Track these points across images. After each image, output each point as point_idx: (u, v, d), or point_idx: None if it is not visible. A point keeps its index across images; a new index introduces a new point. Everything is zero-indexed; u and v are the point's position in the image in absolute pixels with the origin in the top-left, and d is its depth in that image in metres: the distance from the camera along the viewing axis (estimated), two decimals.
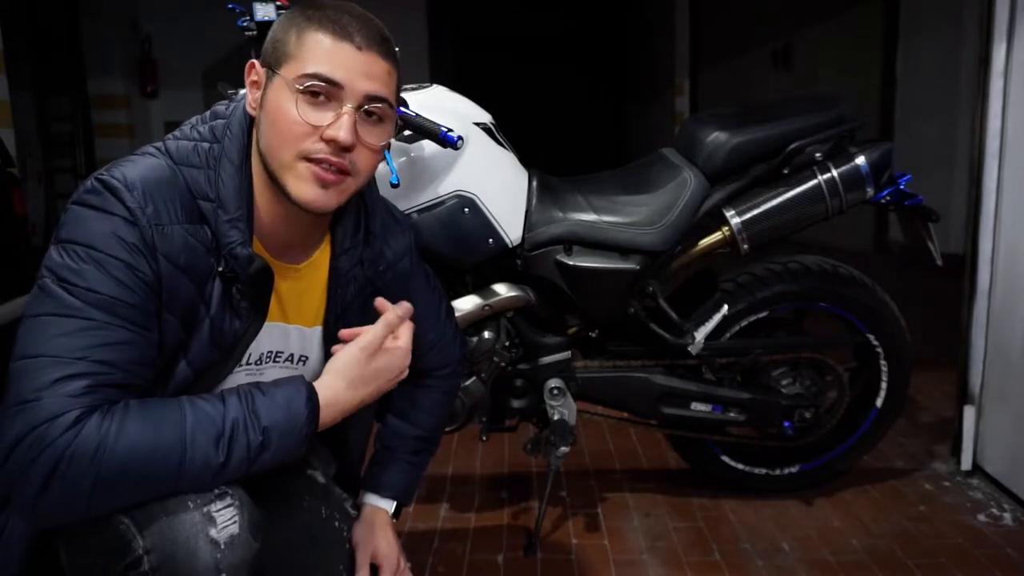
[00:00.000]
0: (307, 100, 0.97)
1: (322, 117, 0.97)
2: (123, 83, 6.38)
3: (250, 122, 1.04)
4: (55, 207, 6.34)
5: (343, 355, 1.04)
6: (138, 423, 0.87)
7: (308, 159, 0.98)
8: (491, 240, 1.70)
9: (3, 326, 2.26)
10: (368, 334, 1.05)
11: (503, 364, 1.80)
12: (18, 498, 0.87)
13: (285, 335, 1.12)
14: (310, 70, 0.96)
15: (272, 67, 0.99)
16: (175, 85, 6.45)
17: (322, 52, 0.97)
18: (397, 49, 1.04)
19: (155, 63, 6.46)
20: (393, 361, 1.07)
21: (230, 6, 1.80)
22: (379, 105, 1.00)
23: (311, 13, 0.99)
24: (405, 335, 1.09)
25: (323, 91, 0.97)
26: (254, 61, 1.03)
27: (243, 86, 1.83)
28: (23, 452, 0.84)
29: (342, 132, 0.96)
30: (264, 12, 1.73)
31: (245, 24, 1.75)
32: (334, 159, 0.98)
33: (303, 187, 0.99)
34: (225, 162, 1.01)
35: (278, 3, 1.74)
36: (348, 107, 0.97)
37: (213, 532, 0.90)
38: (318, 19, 0.98)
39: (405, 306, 1.10)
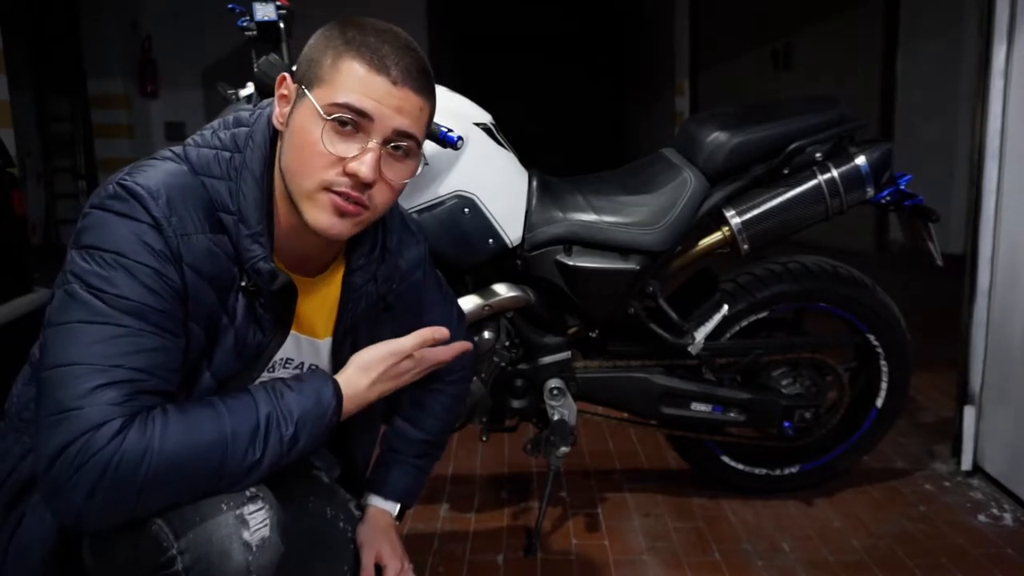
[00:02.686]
0: (334, 129, 0.95)
1: (347, 148, 0.95)
2: (123, 83, 6.38)
3: (274, 133, 1.03)
4: (55, 207, 6.34)
5: (372, 352, 1.07)
6: (180, 426, 0.88)
7: (327, 189, 0.96)
8: (491, 240, 1.70)
9: (3, 326, 2.26)
10: (402, 340, 1.09)
11: (503, 364, 1.80)
12: (64, 505, 0.87)
13: (297, 344, 1.12)
14: (341, 99, 0.94)
15: (303, 86, 0.98)
16: (175, 85, 6.45)
17: (356, 82, 0.94)
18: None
19: (155, 63, 6.46)
20: (415, 367, 1.11)
21: (230, 6, 1.80)
22: (405, 143, 0.98)
23: (351, 36, 0.96)
24: (434, 354, 1.13)
25: (351, 122, 0.95)
26: (286, 75, 1.02)
27: (243, 86, 1.84)
28: (68, 461, 0.84)
29: (364, 168, 0.95)
30: (264, 12, 1.73)
31: (245, 24, 1.75)
32: (353, 193, 0.97)
33: (320, 215, 0.97)
34: (247, 174, 0.99)
35: (278, 3, 1.74)
36: (374, 143, 0.95)
37: (246, 534, 0.91)
38: (357, 45, 0.95)
39: (442, 331, 1.12)
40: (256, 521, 0.92)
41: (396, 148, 0.98)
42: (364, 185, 0.96)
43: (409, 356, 1.08)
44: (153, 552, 0.89)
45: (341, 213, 0.98)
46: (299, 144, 0.97)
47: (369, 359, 1.06)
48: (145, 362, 0.89)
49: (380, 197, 1.00)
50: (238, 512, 0.91)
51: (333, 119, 0.95)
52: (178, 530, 0.89)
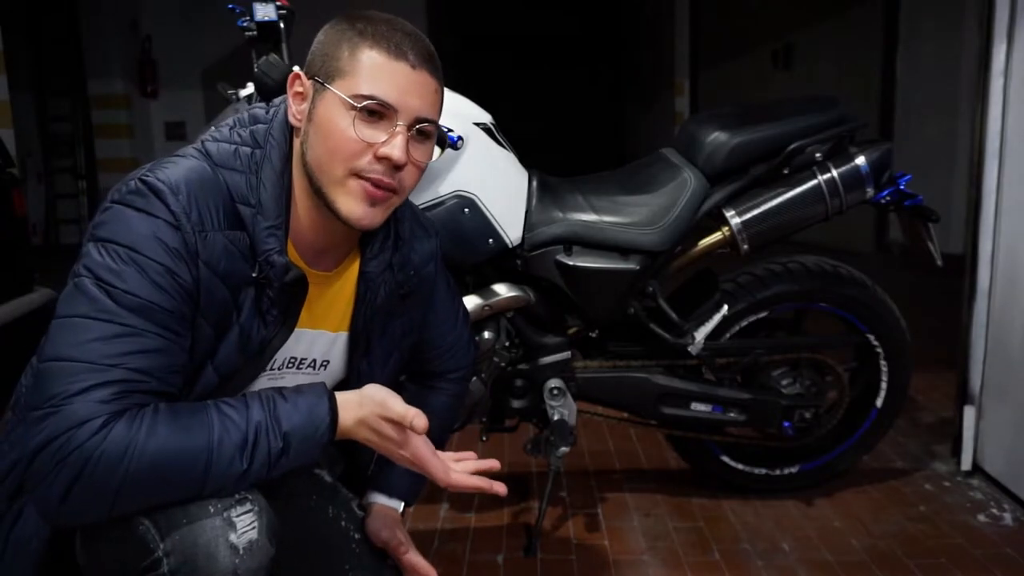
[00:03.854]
0: (361, 118, 0.97)
1: (376, 135, 0.98)
2: (123, 83, 6.38)
3: (290, 129, 1.04)
4: (55, 207, 6.35)
5: (378, 390, 1.01)
6: (167, 428, 0.87)
7: (359, 176, 0.98)
8: (491, 240, 1.70)
9: (3, 326, 2.25)
10: (396, 400, 1.00)
11: (503, 364, 1.80)
12: (42, 499, 0.87)
13: (309, 341, 1.12)
14: (366, 90, 0.96)
15: (322, 81, 0.99)
16: (175, 85, 6.45)
17: (377, 71, 0.97)
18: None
19: (155, 63, 6.46)
20: (396, 439, 1.01)
21: (230, 6, 1.80)
22: (427, 124, 1.01)
23: (362, 27, 0.98)
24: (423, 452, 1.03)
25: (378, 110, 0.97)
26: (299, 72, 1.03)
27: (243, 86, 1.84)
28: (50, 454, 0.84)
29: (396, 151, 0.97)
30: (264, 12, 1.73)
31: (245, 24, 1.75)
32: (386, 180, 0.99)
33: (352, 205, 0.99)
34: (268, 168, 1.01)
35: (278, 3, 1.75)
36: (401, 126, 0.98)
37: (233, 537, 0.90)
38: (371, 35, 0.98)
39: (422, 423, 0.99)
40: (244, 524, 0.91)
41: (419, 132, 1.01)
42: (394, 169, 0.99)
43: (396, 425, 0.99)
44: (140, 553, 0.89)
45: (372, 201, 0.99)
46: (327, 135, 0.98)
47: (371, 393, 1.01)
48: (144, 363, 0.89)
49: (409, 179, 1.02)
50: (225, 514, 0.90)
51: (362, 108, 0.96)
52: (164, 532, 0.89)
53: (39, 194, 6.21)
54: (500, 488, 1.05)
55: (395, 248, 1.15)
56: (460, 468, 1.05)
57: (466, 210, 1.67)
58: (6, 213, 2.41)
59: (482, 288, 1.76)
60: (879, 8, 5.00)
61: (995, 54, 2.00)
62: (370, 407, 0.99)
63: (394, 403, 0.99)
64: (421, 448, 1.02)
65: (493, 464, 1.08)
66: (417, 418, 0.98)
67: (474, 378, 1.76)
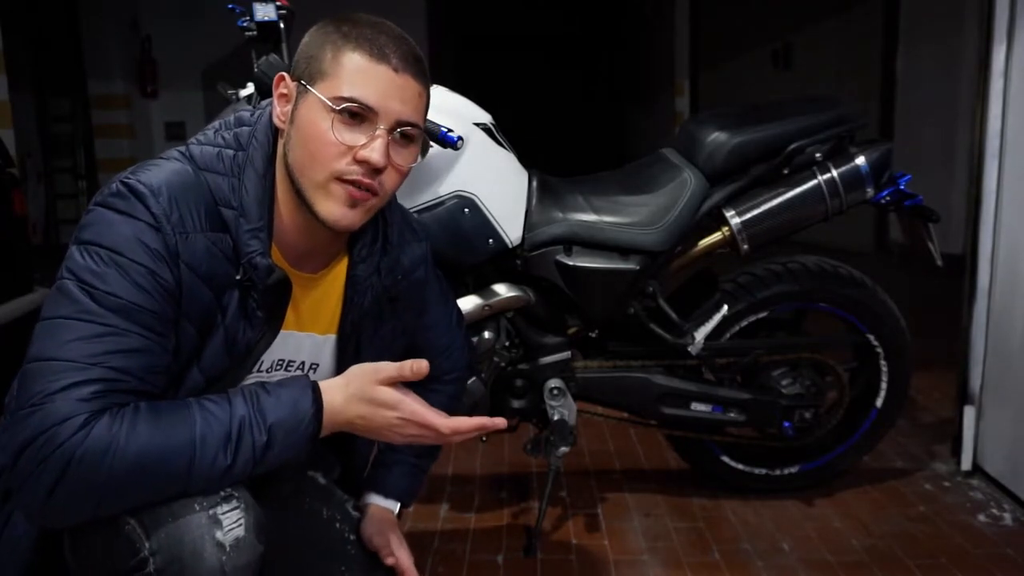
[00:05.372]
0: (342, 120, 0.97)
1: (356, 138, 0.98)
2: (123, 83, 6.38)
3: (275, 131, 1.04)
4: (55, 207, 6.35)
5: (360, 366, 1.02)
6: (149, 425, 0.88)
7: (339, 179, 0.98)
8: (491, 240, 1.70)
9: (3, 326, 2.26)
10: (384, 363, 1.00)
11: (503, 364, 1.80)
12: (27, 499, 0.87)
13: (297, 343, 1.12)
14: (346, 92, 0.96)
15: (305, 83, 0.99)
16: (175, 85, 6.44)
17: (359, 74, 0.97)
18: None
19: (155, 63, 6.45)
20: (395, 407, 1.00)
21: (230, 6, 1.80)
22: (410, 128, 1.01)
23: (347, 30, 0.98)
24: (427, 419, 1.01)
25: (358, 112, 0.97)
26: (283, 74, 1.03)
27: (243, 86, 1.84)
28: (33, 454, 0.84)
29: (375, 154, 0.97)
30: (264, 12, 1.74)
31: (245, 24, 1.76)
32: (365, 180, 0.99)
33: (331, 206, 0.99)
34: (250, 171, 1.01)
35: (278, 3, 1.75)
36: (381, 129, 0.98)
37: (219, 534, 0.90)
38: (355, 38, 0.98)
39: (421, 365, 0.99)
40: (230, 521, 0.91)
41: (401, 135, 1.01)
42: (375, 171, 0.99)
43: (391, 389, 0.99)
44: (126, 553, 0.89)
45: (352, 203, 0.99)
46: (307, 138, 0.98)
47: (356, 369, 1.01)
48: (126, 362, 0.89)
49: (389, 182, 1.02)
50: (211, 512, 0.90)
51: (341, 110, 0.96)
52: (150, 530, 0.89)
53: (39, 194, 6.21)
54: (500, 422, 1.03)
55: (383, 252, 1.15)
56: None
57: (466, 210, 1.67)
58: (6, 213, 2.41)
59: (482, 288, 1.76)
60: (879, 8, 5.00)
61: (995, 54, 2.00)
62: (359, 381, 0.99)
63: (385, 365, 0.99)
64: (416, 405, 1.00)
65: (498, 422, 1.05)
66: (414, 364, 0.98)
67: (474, 378, 1.76)
